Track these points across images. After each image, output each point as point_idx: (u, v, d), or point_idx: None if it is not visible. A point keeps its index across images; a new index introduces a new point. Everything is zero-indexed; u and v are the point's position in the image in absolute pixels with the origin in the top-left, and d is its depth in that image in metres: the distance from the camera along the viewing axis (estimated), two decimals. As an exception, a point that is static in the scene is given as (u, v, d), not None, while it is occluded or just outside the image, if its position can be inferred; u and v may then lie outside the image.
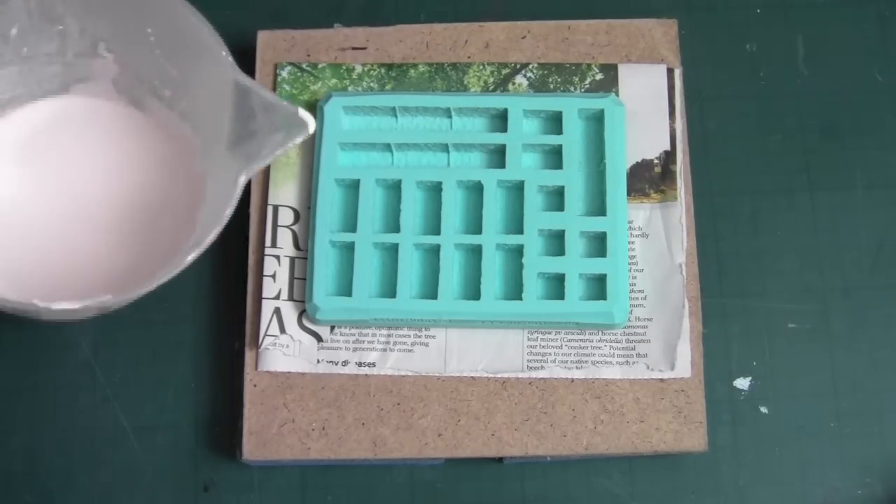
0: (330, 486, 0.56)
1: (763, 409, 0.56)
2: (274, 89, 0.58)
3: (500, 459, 0.55)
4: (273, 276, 0.55)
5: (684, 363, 0.54)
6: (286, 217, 0.56)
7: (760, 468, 0.56)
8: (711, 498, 0.55)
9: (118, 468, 0.56)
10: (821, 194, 0.60)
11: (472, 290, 0.54)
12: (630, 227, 0.56)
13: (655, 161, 0.57)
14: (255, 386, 0.54)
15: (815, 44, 0.62)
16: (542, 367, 0.54)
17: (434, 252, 0.55)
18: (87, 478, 0.56)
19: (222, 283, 0.57)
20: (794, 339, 0.57)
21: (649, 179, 0.56)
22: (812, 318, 0.58)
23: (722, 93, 0.61)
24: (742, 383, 0.57)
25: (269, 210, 0.56)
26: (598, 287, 0.54)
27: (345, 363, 0.54)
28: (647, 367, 0.54)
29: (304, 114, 0.46)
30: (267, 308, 0.55)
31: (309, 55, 0.59)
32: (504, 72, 0.58)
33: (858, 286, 0.58)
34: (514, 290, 0.54)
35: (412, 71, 0.58)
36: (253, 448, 0.53)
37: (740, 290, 0.58)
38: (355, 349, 0.54)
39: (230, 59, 0.48)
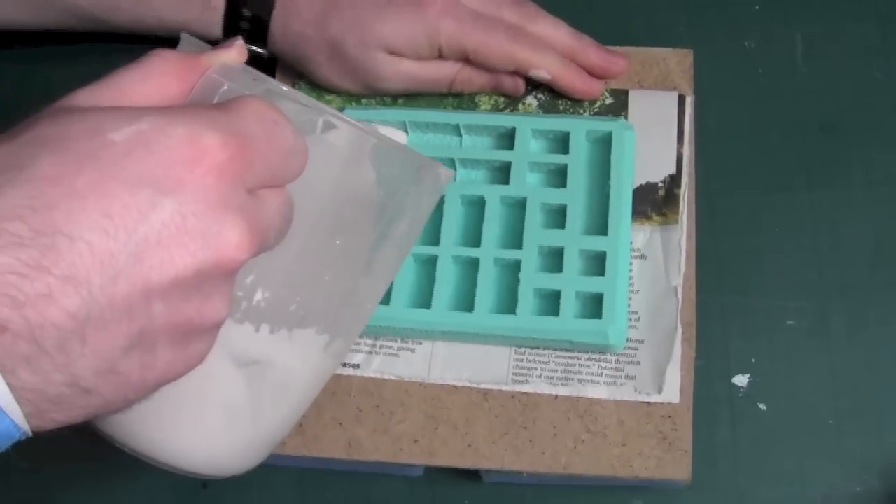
0: (328, 485, 0.56)
1: (762, 407, 0.56)
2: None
3: (478, 473, 0.54)
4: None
5: (673, 388, 0.52)
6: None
7: (759, 465, 0.55)
8: (710, 495, 0.55)
9: (118, 465, 0.56)
10: (819, 192, 0.59)
11: (466, 302, 0.53)
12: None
13: (660, 184, 0.56)
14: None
15: (814, 41, 0.62)
16: (526, 381, 0.53)
17: (431, 263, 0.54)
18: (87, 474, 0.56)
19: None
20: (792, 337, 0.56)
21: (652, 202, 0.55)
22: (811, 316, 0.57)
23: (720, 90, 0.61)
24: (741, 380, 0.56)
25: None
26: (593, 307, 0.53)
27: (328, 362, 0.54)
28: (635, 390, 0.52)
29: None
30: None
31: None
32: (516, 92, 0.58)
33: (857, 284, 0.57)
34: (509, 305, 0.53)
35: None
36: (227, 440, 0.52)
37: (739, 288, 0.57)
38: (340, 348, 0.54)
39: None
